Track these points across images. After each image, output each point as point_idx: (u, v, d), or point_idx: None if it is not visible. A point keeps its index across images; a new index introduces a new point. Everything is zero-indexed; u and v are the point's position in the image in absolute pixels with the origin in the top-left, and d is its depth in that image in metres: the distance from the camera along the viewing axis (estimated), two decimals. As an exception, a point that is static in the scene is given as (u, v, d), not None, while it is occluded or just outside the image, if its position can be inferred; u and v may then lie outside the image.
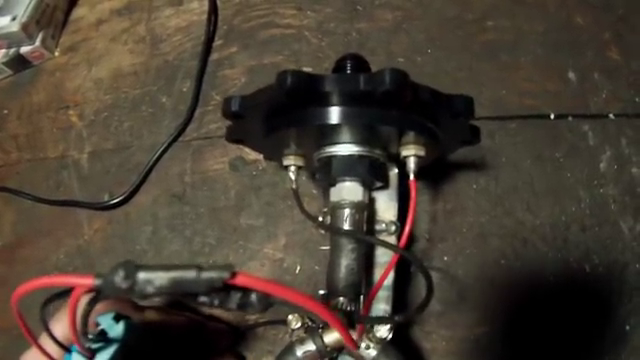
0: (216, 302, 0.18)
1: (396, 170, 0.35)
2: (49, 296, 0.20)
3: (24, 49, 0.57)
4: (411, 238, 0.42)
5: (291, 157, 0.34)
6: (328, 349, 0.30)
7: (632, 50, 0.47)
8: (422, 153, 0.30)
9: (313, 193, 0.45)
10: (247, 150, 0.48)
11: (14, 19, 0.55)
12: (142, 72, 0.55)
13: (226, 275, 0.17)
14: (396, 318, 0.32)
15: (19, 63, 0.59)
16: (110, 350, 0.24)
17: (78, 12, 0.62)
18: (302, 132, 0.30)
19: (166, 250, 0.47)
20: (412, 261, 0.34)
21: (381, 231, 0.34)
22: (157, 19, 0.58)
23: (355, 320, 0.29)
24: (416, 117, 0.28)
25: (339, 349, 0.31)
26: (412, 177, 0.30)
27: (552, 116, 0.45)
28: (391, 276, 0.33)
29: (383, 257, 0.35)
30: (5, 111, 0.58)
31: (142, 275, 0.17)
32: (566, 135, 0.45)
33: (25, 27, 0.55)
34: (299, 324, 0.32)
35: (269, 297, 0.18)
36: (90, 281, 0.17)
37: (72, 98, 0.56)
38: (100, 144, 0.53)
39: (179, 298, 0.18)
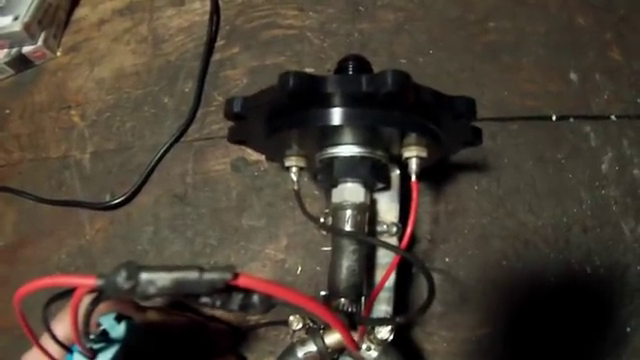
0: (218, 303, 0.18)
1: (398, 171, 0.35)
2: (52, 296, 0.19)
3: (26, 49, 0.57)
4: (413, 239, 0.42)
5: (293, 158, 0.34)
6: (329, 350, 0.30)
7: (634, 51, 0.47)
8: (424, 154, 0.30)
9: (315, 194, 0.45)
10: (249, 151, 0.48)
11: (16, 19, 0.55)
12: (144, 72, 0.55)
13: (228, 276, 0.17)
14: (397, 319, 0.32)
15: (21, 63, 0.59)
16: (111, 350, 0.24)
17: (80, 12, 0.62)
18: (304, 133, 0.30)
19: (167, 251, 0.47)
20: (414, 262, 0.34)
21: (383, 232, 0.34)
22: (159, 19, 0.58)
23: (356, 321, 0.29)
24: (418, 118, 0.28)
25: (340, 350, 0.31)
26: (414, 178, 0.30)
27: (554, 117, 0.45)
28: (392, 277, 0.33)
29: (384, 258, 0.35)
30: (7, 111, 0.58)
31: (144, 276, 0.17)
32: (568, 136, 0.45)
33: (27, 27, 0.55)
34: (300, 325, 0.32)
35: (271, 298, 0.18)
36: (92, 281, 0.17)
37: (74, 98, 0.56)
38: (102, 144, 0.53)
39: (181, 299, 0.18)
